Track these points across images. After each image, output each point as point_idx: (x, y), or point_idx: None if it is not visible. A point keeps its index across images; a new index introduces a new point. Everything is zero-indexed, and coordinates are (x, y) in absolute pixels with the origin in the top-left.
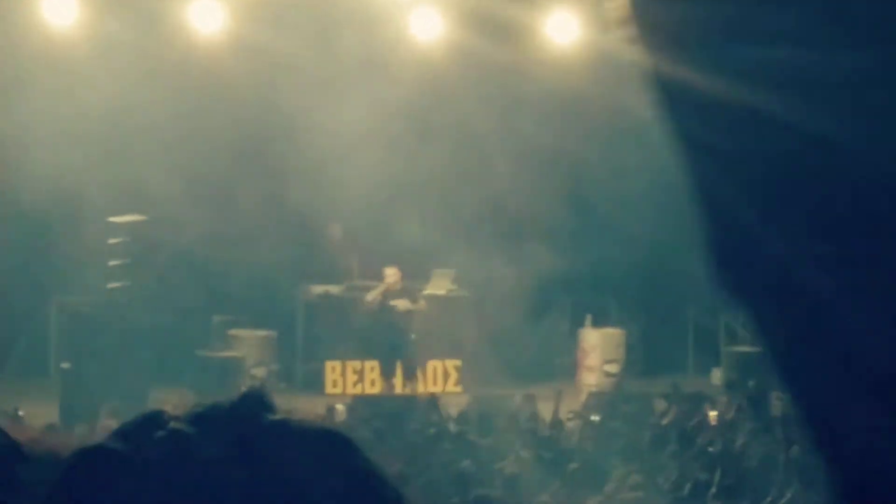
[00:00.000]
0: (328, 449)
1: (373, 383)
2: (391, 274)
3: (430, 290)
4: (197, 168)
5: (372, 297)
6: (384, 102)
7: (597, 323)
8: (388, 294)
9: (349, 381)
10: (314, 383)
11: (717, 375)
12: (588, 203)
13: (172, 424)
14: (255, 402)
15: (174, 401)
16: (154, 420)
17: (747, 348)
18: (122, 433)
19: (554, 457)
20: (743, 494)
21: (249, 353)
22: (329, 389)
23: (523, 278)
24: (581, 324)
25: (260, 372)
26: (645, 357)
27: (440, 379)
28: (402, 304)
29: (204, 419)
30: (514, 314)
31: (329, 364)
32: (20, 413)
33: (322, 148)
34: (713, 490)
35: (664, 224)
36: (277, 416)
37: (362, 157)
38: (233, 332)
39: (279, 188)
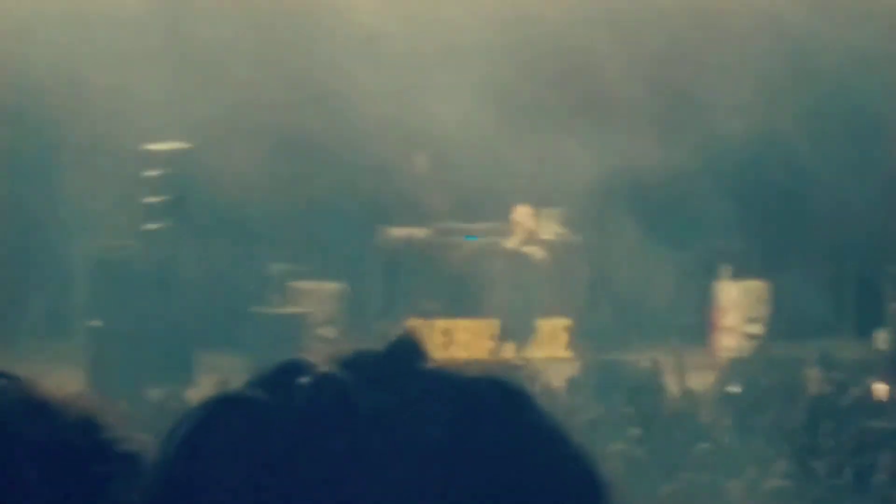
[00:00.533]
0: (501, 401)
1: (465, 347)
2: (526, 214)
3: (531, 233)
4: (249, 89)
5: (513, 244)
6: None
7: (737, 274)
8: (526, 241)
9: (436, 343)
10: None
11: (882, 338)
12: (729, 120)
13: (321, 369)
14: (411, 349)
15: (225, 364)
16: (297, 366)
17: None
18: (261, 382)
19: (683, 436)
20: None
21: (315, 309)
22: None
23: (646, 219)
24: (717, 275)
25: (328, 332)
26: (794, 316)
27: (546, 342)
28: (536, 251)
29: (355, 365)
30: (634, 263)
31: (412, 323)
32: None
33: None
34: (878, 477)
35: (821, 153)
36: (435, 365)
37: (453, 73)
38: (295, 284)
39: (349, 109)
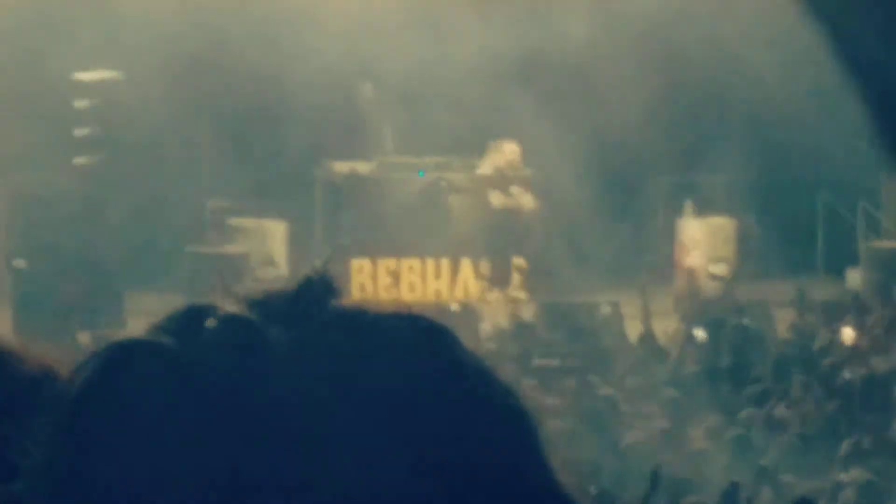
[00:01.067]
0: (422, 339)
1: (411, 287)
2: (510, 151)
3: (485, 169)
4: (187, 18)
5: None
6: None
7: (700, 211)
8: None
9: (381, 284)
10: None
11: (854, 277)
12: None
13: (227, 309)
14: (323, 287)
15: (157, 306)
16: (202, 311)
17: (892, 242)
18: (165, 327)
19: (644, 383)
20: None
21: (254, 248)
22: (355, 294)
23: (605, 152)
24: (680, 212)
25: (268, 272)
26: (762, 255)
27: (498, 282)
28: (524, 199)
29: (264, 305)
30: (592, 199)
31: (356, 262)
32: None
33: None
34: (847, 423)
35: (786, 86)
36: (350, 304)
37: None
38: (233, 221)
39: (293, 40)
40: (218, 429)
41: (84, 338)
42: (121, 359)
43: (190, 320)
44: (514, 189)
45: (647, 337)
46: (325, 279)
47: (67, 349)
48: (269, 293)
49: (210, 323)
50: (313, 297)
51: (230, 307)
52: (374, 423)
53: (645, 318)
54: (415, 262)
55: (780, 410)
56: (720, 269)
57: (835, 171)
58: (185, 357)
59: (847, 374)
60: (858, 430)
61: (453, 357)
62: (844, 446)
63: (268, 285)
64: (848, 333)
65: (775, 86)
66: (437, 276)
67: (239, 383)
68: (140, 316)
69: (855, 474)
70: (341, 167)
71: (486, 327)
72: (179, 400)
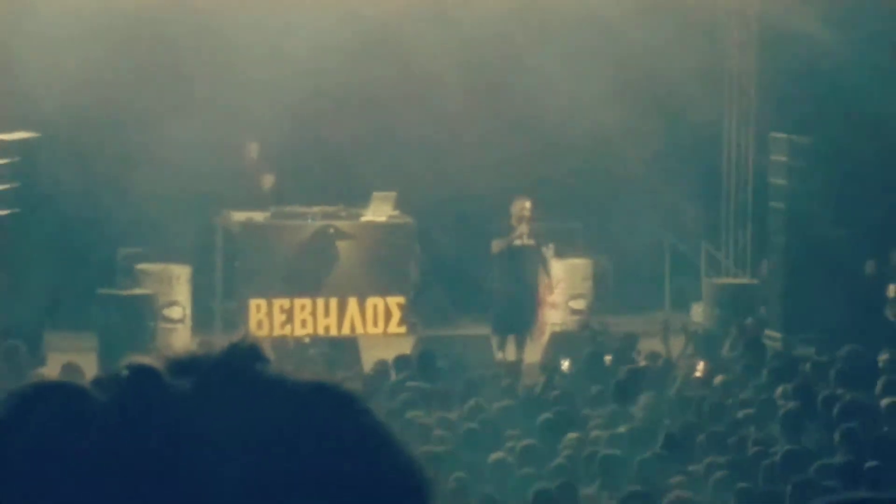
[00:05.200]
0: (332, 408)
1: (303, 324)
2: (524, 209)
3: (368, 217)
4: (93, 77)
5: (500, 245)
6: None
7: (561, 253)
8: (516, 235)
9: (276, 321)
10: (236, 324)
11: (697, 311)
12: (553, 116)
13: (142, 361)
14: (248, 354)
15: (74, 345)
16: (136, 369)
17: (731, 280)
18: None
19: (513, 406)
20: (728, 445)
21: (161, 290)
22: (254, 331)
23: (475, 201)
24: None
25: (173, 312)
26: (616, 291)
27: (381, 318)
28: (403, 243)
29: (186, 368)
30: (463, 243)
31: (253, 302)
32: None
33: (240, 53)
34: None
35: (639, 137)
36: (272, 370)
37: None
38: (141, 266)
39: (190, 103)
40: (120, 469)
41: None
42: (35, 398)
43: (126, 374)
44: (394, 234)
45: (518, 364)
46: (253, 346)
47: None
48: (196, 358)
49: (122, 371)
50: (239, 364)
51: (153, 362)
52: (272, 477)
53: (517, 349)
54: (306, 302)
55: (633, 429)
56: (579, 304)
57: (679, 216)
58: (97, 400)
59: (691, 393)
60: (707, 447)
61: (361, 426)
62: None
63: (201, 349)
64: (699, 364)
65: (619, 138)
66: (327, 313)
67: (144, 429)
68: (58, 352)
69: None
70: (239, 216)
71: (368, 358)
72: (88, 440)
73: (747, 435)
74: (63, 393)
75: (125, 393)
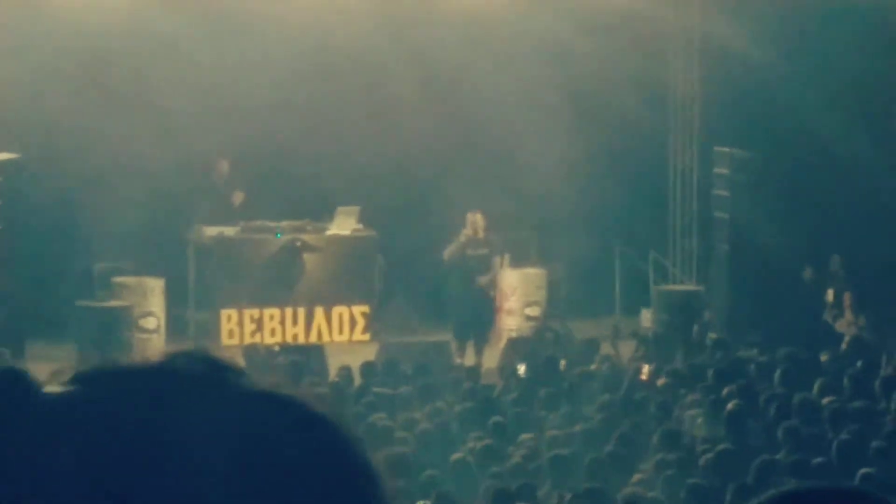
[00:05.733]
0: (299, 424)
1: (272, 332)
2: (476, 221)
3: (333, 230)
4: (69, 100)
5: (450, 254)
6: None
7: (516, 262)
8: (469, 245)
9: (247, 330)
10: (209, 334)
11: (646, 317)
12: (506, 133)
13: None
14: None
15: (54, 354)
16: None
17: (678, 287)
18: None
19: (473, 409)
20: (678, 443)
21: (136, 301)
22: (225, 340)
23: (435, 214)
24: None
25: (149, 323)
26: (568, 298)
27: (347, 326)
28: (367, 255)
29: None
30: (423, 253)
31: (224, 313)
32: None
33: (209, 74)
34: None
35: (588, 153)
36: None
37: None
38: (117, 279)
39: (162, 121)
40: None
41: None
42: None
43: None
44: (359, 247)
45: (477, 369)
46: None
47: None
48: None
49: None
50: (190, 377)
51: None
52: (228, 488)
53: (476, 354)
54: (275, 311)
55: (586, 429)
56: (534, 311)
57: (628, 226)
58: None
59: (638, 396)
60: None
61: (327, 443)
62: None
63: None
64: (644, 367)
65: (570, 153)
66: (295, 322)
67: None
68: (39, 361)
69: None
70: (210, 231)
71: (334, 364)
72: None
73: (695, 433)
74: (9, 376)
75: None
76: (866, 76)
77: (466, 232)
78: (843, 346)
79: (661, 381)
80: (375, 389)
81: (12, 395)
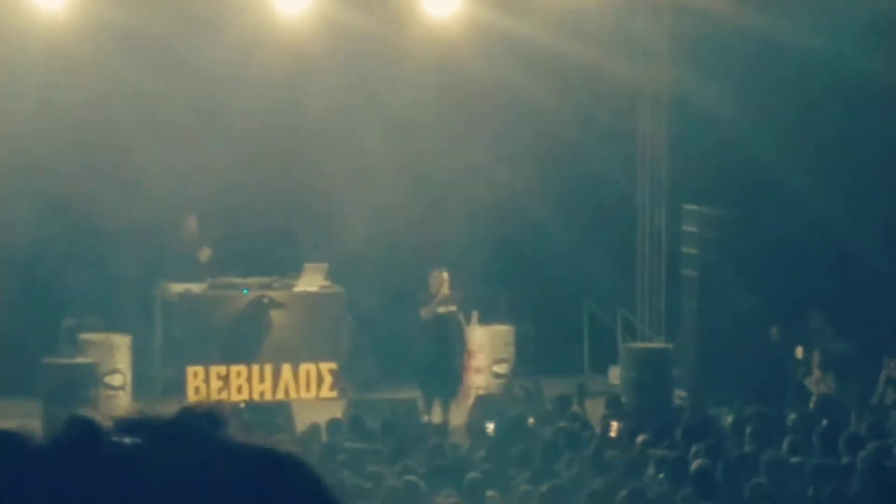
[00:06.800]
0: (282, 475)
1: (239, 389)
2: (443, 279)
3: (301, 287)
4: (35, 157)
5: (428, 312)
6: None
7: (484, 319)
8: (442, 303)
9: (213, 387)
10: (175, 390)
11: (615, 374)
12: (474, 189)
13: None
14: (196, 423)
15: (20, 410)
16: (81, 424)
17: (646, 344)
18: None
19: (441, 466)
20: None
21: (102, 358)
22: (191, 397)
23: (402, 272)
24: (468, 320)
25: (115, 379)
26: (537, 355)
27: (314, 383)
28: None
29: (135, 430)
30: (391, 310)
31: (191, 369)
32: None
33: (177, 130)
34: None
35: (557, 210)
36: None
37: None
38: (84, 336)
39: (131, 177)
40: None
41: None
42: None
43: (69, 430)
44: (326, 303)
45: (444, 426)
46: (211, 413)
47: None
48: (143, 420)
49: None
50: (187, 432)
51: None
52: None
53: (444, 411)
54: (242, 368)
55: (555, 486)
56: (502, 368)
57: (597, 284)
58: (41, 449)
59: (609, 455)
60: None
61: (307, 494)
62: None
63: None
64: (613, 424)
65: (539, 210)
66: (262, 379)
67: (85, 481)
68: (4, 417)
69: None
70: (177, 287)
71: (302, 421)
72: (30, 487)
73: (663, 492)
74: (6, 440)
75: (68, 444)
76: (837, 133)
77: (432, 290)
78: (811, 404)
79: (640, 439)
80: (346, 444)
81: (85, 443)
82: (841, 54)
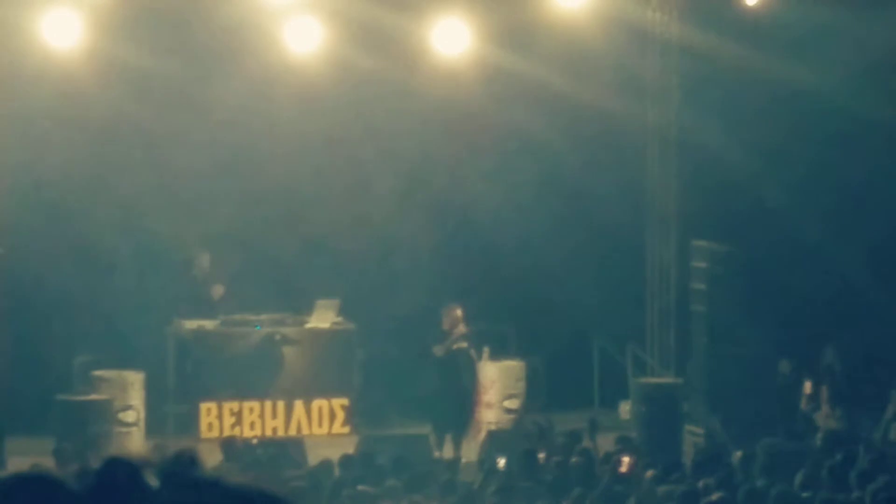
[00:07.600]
0: None
1: (252, 425)
2: (457, 316)
3: (313, 324)
4: (47, 193)
5: (444, 349)
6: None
7: (495, 355)
8: (458, 339)
9: (226, 423)
10: (188, 427)
11: (625, 409)
12: (484, 226)
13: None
14: (187, 463)
15: (34, 448)
16: (115, 464)
17: (656, 379)
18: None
19: (456, 501)
20: None
21: (116, 395)
22: (204, 433)
23: (414, 308)
24: (479, 356)
25: (128, 416)
26: (548, 391)
27: (326, 419)
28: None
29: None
30: (404, 346)
31: (204, 406)
32: None
33: (187, 168)
34: None
35: (566, 246)
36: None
37: (229, 178)
38: (97, 372)
39: (143, 214)
40: None
41: None
42: (16, 488)
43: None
44: (338, 340)
45: (456, 462)
46: (192, 456)
47: None
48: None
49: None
50: (179, 472)
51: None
52: None
53: (455, 447)
54: (255, 404)
55: None
56: (513, 404)
57: (607, 320)
58: (73, 491)
59: (618, 489)
60: None
61: None
62: None
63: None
64: (624, 460)
65: (549, 248)
66: (274, 415)
67: None
68: (17, 455)
69: None
70: (190, 324)
71: (314, 457)
72: None
73: None
74: (42, 483)
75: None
76: (843, 171)
77: (445, 326)
78: (818, 441)
79: (649, 474)
80: (360, 488)
81: (126, 486)
82: (851, 97)
